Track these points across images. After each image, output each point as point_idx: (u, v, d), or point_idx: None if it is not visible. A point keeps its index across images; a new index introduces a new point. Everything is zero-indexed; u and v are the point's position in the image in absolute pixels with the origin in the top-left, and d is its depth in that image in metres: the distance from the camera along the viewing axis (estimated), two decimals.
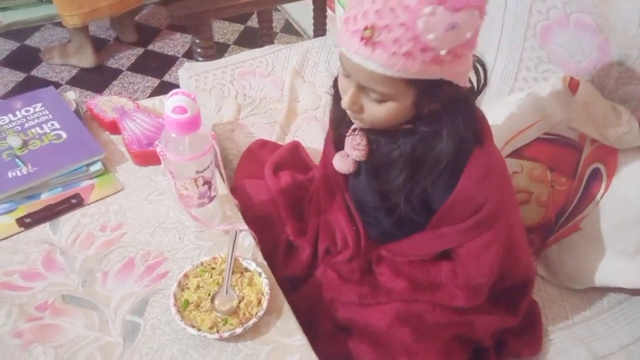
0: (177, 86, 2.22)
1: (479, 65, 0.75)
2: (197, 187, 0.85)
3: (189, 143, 0.80)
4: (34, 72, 2.35)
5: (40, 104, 1.08)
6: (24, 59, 2.43)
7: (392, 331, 0.83)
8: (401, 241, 0.89)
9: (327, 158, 1.00)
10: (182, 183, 0.84)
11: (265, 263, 0.87)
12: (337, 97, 0.82)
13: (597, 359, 0.93)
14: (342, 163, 0.85)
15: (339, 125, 0.85)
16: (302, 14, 2.52)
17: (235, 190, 1.05)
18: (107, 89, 2.28)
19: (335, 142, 0.89)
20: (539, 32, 1.12)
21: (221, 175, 0.94)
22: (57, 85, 2.25)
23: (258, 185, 1.07)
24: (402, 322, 0.83)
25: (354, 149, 0.81)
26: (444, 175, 0.76)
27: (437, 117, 0.72)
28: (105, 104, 1.10)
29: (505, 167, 0.82)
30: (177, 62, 2.43)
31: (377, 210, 0.89)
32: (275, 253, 0.97)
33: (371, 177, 0.85)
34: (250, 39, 2.57)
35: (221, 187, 0.95)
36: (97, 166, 1.00)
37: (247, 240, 0.90)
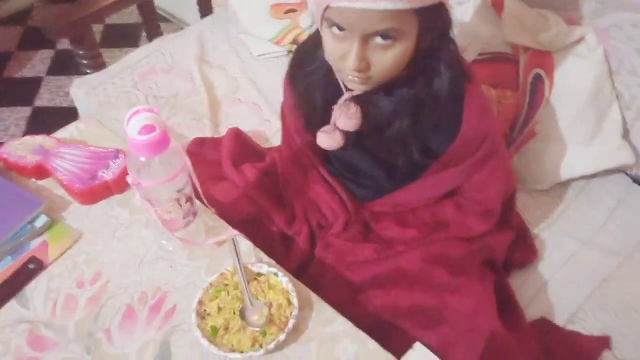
0: (65, 107, 2.02)
1: None
2: (181, 207, 0.77)
3: (162, 163, 0.72)
4: None
5: None
6: None
7: (426, 274, 0.83)
8: (399, 192, 0.89)
9: (290, 137, 0.96)
10: (164, 208, 0.76)
11: (273, 261, 0.82)
12: (298, 80, 0.79)
13: (585, 245, 1.01)
14: (331, 139, 0.81)
15: (313, 107, 0.81)
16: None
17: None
18: None
19: (309, 125, 0.85)
20: None
21: (195, 187, 0.86)
22: None
23: (224, 187, 1.00)
24: (431, 263, 0.84)
25: (350, 119, 0.78)
26: (445, 117, 0.77)
27: (433, 52, 0.72)
28: (20, 148, 0.95)
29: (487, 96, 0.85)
30: (44, 83, 2.17)
31: (374, 171, 0.87)
32: (272, 250, 0.92)
33: (367, 142, 0.82)
34: (38, 42, 2.33)
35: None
36: (42, 220, 0.87)
37: (243, 245, 0.84)
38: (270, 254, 0.87)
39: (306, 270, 0.92)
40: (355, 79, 0.70)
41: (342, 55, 0.69)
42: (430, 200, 0.89)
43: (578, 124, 1.02)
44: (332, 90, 0.79)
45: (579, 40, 1.00)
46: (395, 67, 0.71)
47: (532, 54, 1.02)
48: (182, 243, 0.81)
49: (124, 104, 1.29)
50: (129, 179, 0.73)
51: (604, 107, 1.01)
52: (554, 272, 0.97)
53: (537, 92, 1.03)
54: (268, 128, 1.27)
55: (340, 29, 0.67)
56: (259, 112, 1.30)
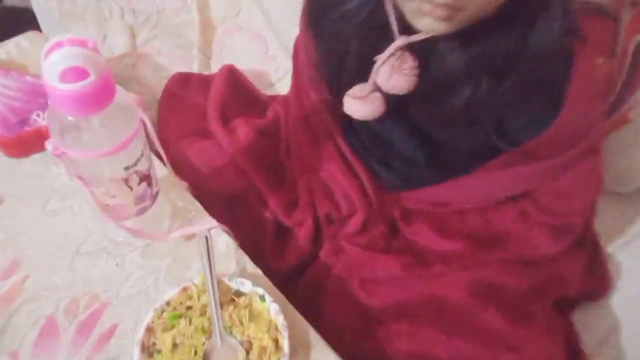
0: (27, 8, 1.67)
1: None
2: (132, 190, 0.52)
3: (103, 125, 0.46)
4: None
5: None
6: None
7: (473, 314, 0.60)
8: (444, 186, 0.64)
9: (302, 88, 0.70)
10: (105, 190, 0.51)
11: (260, 271, 0.59)
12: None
13: None
14: (367, 106, 0.56)
15: (342, 61, 0.55)
16: None
17: (172, 163, 0.72)
18: None
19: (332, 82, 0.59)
20: None
21: (159, 155, 0.61)
22: None
23: (204, 148, 0.74)
24: (481, 298, 0.60)
25: (402, 78, 0.52)
26: (541, 88, 0.54)
27: None
28: None
29: None
30: None
31: (414, 152, 0.62)
32: (260, 242, 0.68)
33: (414, 110, 0.58)
34: None
35: (157, 166, 0.63)
36: None
37: (222, 240, 0.60)
38: (257, 250, 0.64)
39: (303, 277, 0.68)
40: (438, 9, 0.45)
41: None
42: (486, 203, 0.65)
43: None
44: (375, 37, 0.53)
45: None
46: None
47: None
48: (135, 236, 0.57)
49: (94, 16, 1.00)
50: (48, 145, 0.48)
51: None
52: (631, 310, 0.73)
53: (639, 64, 0.76)
54: (273, 68, 1.00)
55: None
56: (264, 45, 1.02)
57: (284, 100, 0.83)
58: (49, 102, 0.46)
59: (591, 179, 0.63)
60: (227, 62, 0.96)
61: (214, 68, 0.97)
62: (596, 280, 0.72)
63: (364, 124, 0.62)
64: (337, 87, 0.59)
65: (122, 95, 0.48)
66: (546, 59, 0.52)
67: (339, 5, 0.56)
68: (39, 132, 0.64)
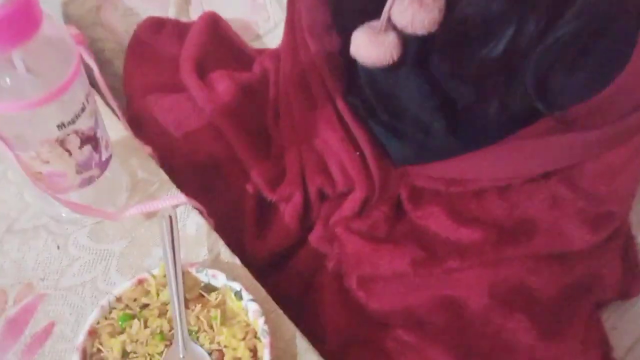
0: None
1: None
2: (71, 155, 0.40)
3: (26, 65, 0.34)
4: None
5: None
6: None
7: (497, 322, 0.49)
8: (464, 159, 0.53)
9: (298, 38, 0.58)
10: (34, 154, 0.39)
11: (237, 260, 0.47)
12: None
13: None
14: (380, 48, 0.45)
15: None
16: None
17: (135, 122, 0.60)
18: None
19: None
20: None
21: (111, 108, 0.49)
22: None
23: (174, 105, 0.62)
24: (505, 303, 0.49)
25: (425, 12, 0.42)
26: (600, 40, 0.43)
27: None
28: None
29: None
30: None
31: (430, 114, 0.51)
32: (239, 222, 0.57)
33: (435, 60, 0.47)
34: None
35: (114, 127, 0.51)
36: None
37: (192, 221, 0.49)
38: (235, 232, 0.53)
39: (288, 266, 0.57)
40: None
41: None
42: (514, 181, 0.54)
43: None
44: None
45: None
46: None
47: None
48: (80, 212, 0.45)
49: None
50: None
51: None
52: None
53: None
54: (263, 17, 0.87)
55: None
56: None
57: (274, 53, 0.71)
58: None
59: (637, 159, 0.51)
60: (209, 7, 0.84)
61: (194, 15, 0.84)
62: (628, 276, 0.62)
63: (371, 78, 0.51)
64: (344, 24, 0.47)
65: (56, 28, 0.36)
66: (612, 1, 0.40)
67: None
68: None
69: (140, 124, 0.61)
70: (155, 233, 0.47)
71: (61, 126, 0.37)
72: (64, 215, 0.48)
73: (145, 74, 0.70)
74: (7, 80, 0.35)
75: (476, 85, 0.47)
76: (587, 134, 0.48)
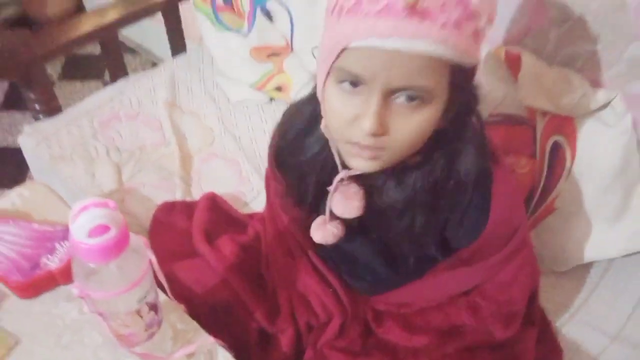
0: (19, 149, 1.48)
1: None
2: (142, 319, 0.61)
3: (120, 268, 0.56)
4: None
5: None
6: None
7: None
8: (404, 290, 0.75)
9: (274, 211, 0.81)
10: (120, 322, 0.60)
11: None
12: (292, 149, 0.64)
13: (613, 339, 0.88)
14: (327, 232, 0.67)
15: (305, 194, 0.67)
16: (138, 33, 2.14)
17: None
18: None
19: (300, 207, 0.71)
20: None
21: (161, 286, 0.70)
22: None
23: (193, 267, 0.83)
24: None
25: (348, 201, 0.63)
26: (469, 208, 0.63)
27: (456, 126, 0.59)
28: None
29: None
30: None
31: (375, 265, 0.73)
32: (245, 348, 0.76)
33: (369, 232, 0.68)
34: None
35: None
36: None
37: (220, 358, 0.68)
38: (242, 356, 0.71)
39: None
40: (365, 151, 0.55)
41: (354, 117, 0.53)
42: (442, 300, 0.75)
43: (602, 199, 0.90)
44: (327, 174, 0.64)
45: (604, 106, 0.88)
46: (418, 138, 0.56)
47: (551, 118, 0.91)
48: (142, 359, 0.65)
49: (82, 157, 1.11)
50: (74, 289, 0.57)
51: (631, 181, 0.89)
52: None
53: (556, 161, 0.91)
54: (248, 188, 1.11)
55: (354, 83, 0.52)
56: (237, 168, 1.15)
57: (261, 217, 0.94)
58: (73, 254, 0.55)
59: (525, 270, 0.72)
60: (206, 186, 1.08)
61: (195, 193, 1.08)
62: (548, 352, 0.83)
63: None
64: (304, 212, 0.70)
65: (133, 239, 0.58)
66: (469, 184, 0.62)
67: (298, 153, 0.67)
68: (50, 275, 0.73)
69: (169, 286, 0.81)
70: None
71: (140, 300, 0.58)
72: None
73: (166, 247, 0.91)
74: (107, 278, 0.56)
75: (397, 246, 0.69)
76: (476, 265, 0.70)
